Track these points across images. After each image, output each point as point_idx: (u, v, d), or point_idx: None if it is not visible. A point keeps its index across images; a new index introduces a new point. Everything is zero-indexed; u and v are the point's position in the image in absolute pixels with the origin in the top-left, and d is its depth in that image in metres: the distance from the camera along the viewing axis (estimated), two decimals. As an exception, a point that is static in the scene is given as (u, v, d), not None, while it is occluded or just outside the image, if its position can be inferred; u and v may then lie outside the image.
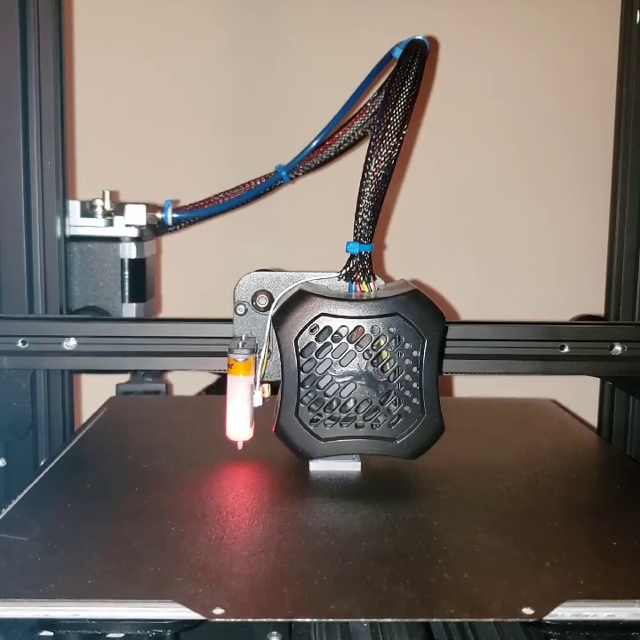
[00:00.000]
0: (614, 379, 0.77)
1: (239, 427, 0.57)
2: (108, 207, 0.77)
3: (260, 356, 0.59)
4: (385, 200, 0.58)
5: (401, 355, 0.55)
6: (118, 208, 0.77)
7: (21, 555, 0.43)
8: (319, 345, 0.55)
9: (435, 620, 0.38)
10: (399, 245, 0.95)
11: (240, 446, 0.59)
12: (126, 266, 0.76)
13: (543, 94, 0.95)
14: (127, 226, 0.76)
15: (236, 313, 0.61)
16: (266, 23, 0.92)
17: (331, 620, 0.38)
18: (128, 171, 0.92)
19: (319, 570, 0.42)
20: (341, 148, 0.78)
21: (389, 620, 0.38)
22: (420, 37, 0.62)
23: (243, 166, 0.87)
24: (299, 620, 0.38)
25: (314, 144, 0.78)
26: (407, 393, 0.55)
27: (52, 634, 0.39)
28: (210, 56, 0.93)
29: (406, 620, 0.39)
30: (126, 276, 0.76)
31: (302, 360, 0.55)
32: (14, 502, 0.51)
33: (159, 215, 0.79)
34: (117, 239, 0.76)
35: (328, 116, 0.76)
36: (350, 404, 0.56)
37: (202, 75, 0.93)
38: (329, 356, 0.55)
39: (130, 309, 0.77)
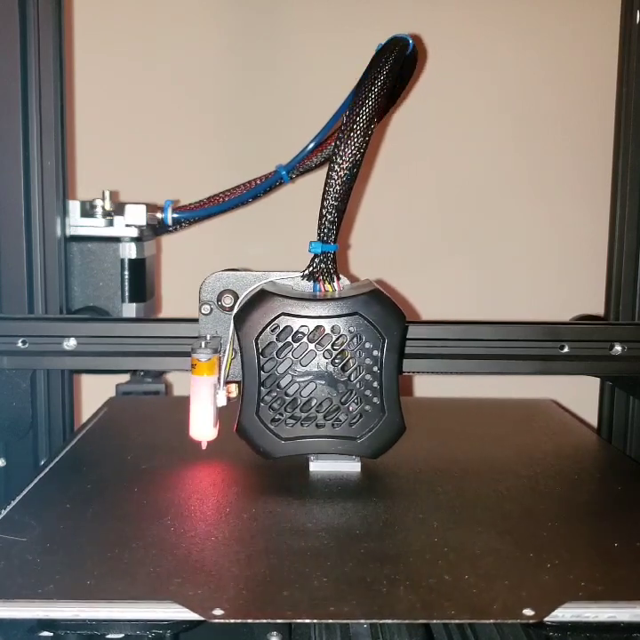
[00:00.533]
0: (614, 379, 0.77)
1: (203, 427, 0.58)
2: (108, 207, 0.77)
3: (224, 356, 0.59)
4: (350, 200, 0.58)
5: (361, 354, 0.55)
6: (118, 208, 0.77)
7: (21, 555, 0.43)
8: (280, 344, 0.55)
9: (435, 621, 0.38)
10: (399, 245, 0.95)
11: (204, 446, 0.59)
12: (126, 266, 0.76)
13: (543, 94, 0.95)
14: (127, 226, 0.76)
15: (202, 313, 0.61)
16: (266, 23, 0.92)
17: (330, 621, 0.38)
18: (128, 171, 0.92)
19: (319, 571, 0.42)
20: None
21: (390, 621, 0.38)
22: (402, 35, 0.61)
23: (243, 166, 0.86)
24: (298, 621, 0.38)
25: (312, 144, 0.78)
26: (367, 392, 0.56)
27: (51, 634, 0.39)
28: (210, 56, 0.93)
29: (406, 621, 0.38)
30: (126, 276, 0.76)
31: (263, 359, 0.55)
32: (14, 503, 0.51)
33: (159, 215, 0.79)
34: (117, 239, 0.76)
35: (328, 115, 0.76)
36: (311, 403, 0.56)
37: (202, 75, 0.93)
38: (290, 355, 0.55)
39: (130, 309, 0.77)
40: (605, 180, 0.84)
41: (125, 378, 0.85)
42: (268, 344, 0.55)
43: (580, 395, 0.85)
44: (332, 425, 0.56)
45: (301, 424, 0.56)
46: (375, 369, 0.55)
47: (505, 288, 0.97)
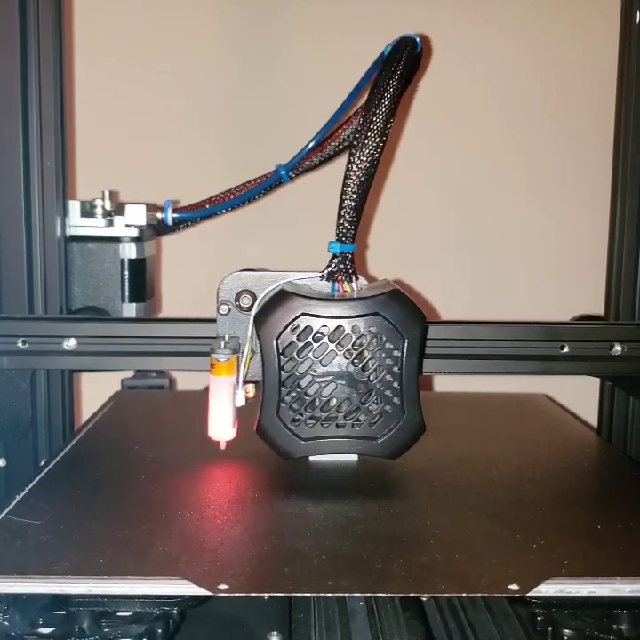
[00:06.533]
0: (614, 379, 0.77)
1: (221, 426, 0.58)
2: (108, 207, 0.77)
3: (242, 356, 0.59)
4: (367, 200, 0.58)
5: (382, 354, 0.55)
6: (118, 208, 0.77)
7: (36, 536, 0.45)
8: (300, 344, 0.55)
9: (426, 595, 0.41)
10: (399, 245, 0.95)
11: (223, 446, 0.59)
12: (126, 266, 0.76)
13: (543, 94, 0.95)
14: (127, 226, 0.76)
15: (219, 313, 0.61)
16: (266, 23, 0.92)
17: (329, 594, 0.40)
18: (128, 171, 0.92)
19: (318, 550, 0.43)
20: (340, 147, 0.78)
21: (383, 594, 0.40)
22: (411, 35, 0.62)
23: (242, 166, 0.87)
24: (298, 594, 0.40)
25: (313, 143, 0.78)
26: (388, 392, 0.56)
27: (64, 612, 0.41)
28: (210, 56, 0.93)
29: (400, 594, 0.41)
30: (126, 276, 0.76)
31: (283, 360, 0.55)
32: (27, 489, 0.52)
33: (159, 215, 0.79)
34: (117, 239, 0.76)
35: (328, 115, 0.76)
36: (331, 403, 0.56)
37: (202, 75, 0.93)
38: (310, 355, 0.55)
39: (130, 309, 0.77)
40: (605, 180, 0.84)
41: (130, 373, 0.86)
42: (289, 344, 0.55)
43: (580, 395, 0.85)
44: (352, 425, 0.56)
45: (321, 424, 0.56)
46: (395, 369, 0.55)
47: (505, 288, 0.97)
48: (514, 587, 0.39)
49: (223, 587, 0.39)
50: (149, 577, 0.40)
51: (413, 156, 0.95)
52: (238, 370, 0.58)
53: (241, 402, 0.58)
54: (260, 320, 0.56)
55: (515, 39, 0.94)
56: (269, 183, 0.80)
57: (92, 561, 0.42)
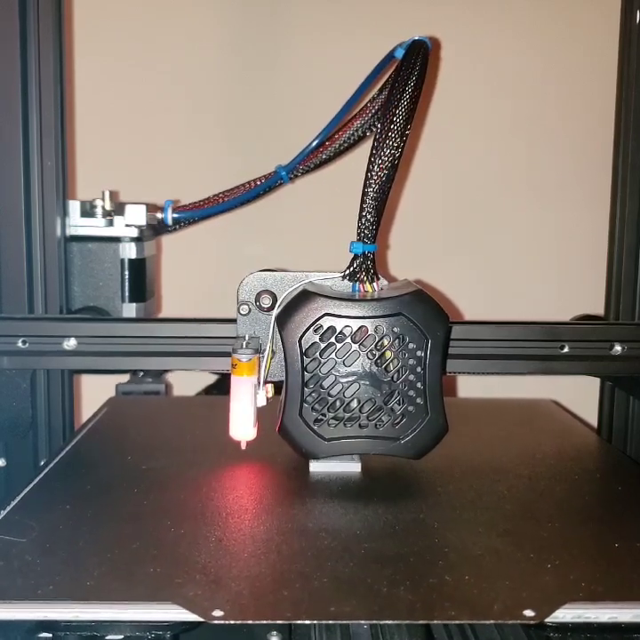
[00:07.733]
0: (614, 379, 0.77)
1: (243, 427, 0.57)
2: (108, 207, 0.77)
3: (263, 356, 0.59)
4: (388, 200, 0.58)
5: (405, 355, 0.55)
6: (118, 208, 0.77)
7: (20, 556, 0.43)
8: (323, 345, 0.55)
9: (435, 622, 0.38)
10: (400, 245, 0.95)
11: (243, 446, 0.59)
12: (126, 266, 0.76)
13: (543, 94, 0.94)
14: (127, 226, 0.76)
15: (240, 313, 0.61)
16: (266, 23, 0.92)
17: (331, 622, 0.37)
18: (128, 171, 0.92)
19: (319, 571, 0.41)
20: (341, 149, 0.78)
21: (390, 622, 0.38)
22: (422, 38, 0.62)
23: (243, 166, 0.86)
24: (299, 622, 0.37)
25: (314, 144, 0.78)
26: (411, 393, 0.55)
27: (50, 635, 0.39)
28: (210, 56, 0.93)
29: (407, 622, 0.38)
30: (126, 276, 0.76)
31: (306, 360, 0.55)
32: (13, 503, 0.50)
33: (159, 215, 0.79)
34: (117, 239, 0.76)
35: (328, 115, 0.76)
36: (354, 403, 0.56)
37: (202, 75, 0.93)
38: (333, 356, 0.55)
39: (130, 309, 0.77)
40: (605, 180, 0.84)
41: (125, 378, 0.85)
42: (312, 344, 0.55)
43: (580, 395, 0.85)
44: (375, 425, 0.56)
45: (344, 424, 0.56)
46: (419, 369, 0.55)
47: (505, 288, 0.97)
48: (529, 613, 0.37)
49: (218, 613, 0.37)
50: (139, 602, 0.38)
51: (413, 156, 0.95)
52: (259, 370, 0.58)
53: (262, 402, 0.58)
54: (282, 320, 0.55)
55: (515, 39, 0.94)
56: (269, 184, 0.80)
57: (78, 584, 0.40)
